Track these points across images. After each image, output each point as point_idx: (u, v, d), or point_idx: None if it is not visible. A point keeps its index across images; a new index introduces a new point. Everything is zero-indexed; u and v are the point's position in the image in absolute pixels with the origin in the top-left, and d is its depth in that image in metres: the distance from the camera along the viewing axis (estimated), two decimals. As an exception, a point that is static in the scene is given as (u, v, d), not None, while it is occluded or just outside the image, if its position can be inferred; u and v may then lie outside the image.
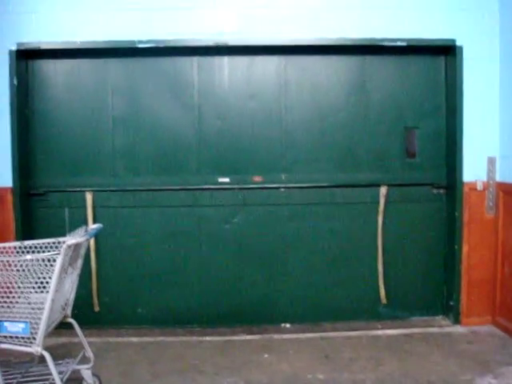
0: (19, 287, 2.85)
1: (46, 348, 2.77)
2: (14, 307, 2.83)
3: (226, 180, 4.41)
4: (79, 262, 3.12)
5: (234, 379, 3.52)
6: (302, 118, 4.44)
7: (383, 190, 4.44)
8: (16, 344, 2.75)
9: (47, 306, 2.70)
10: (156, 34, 4.21)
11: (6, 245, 3.14)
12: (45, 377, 3.02)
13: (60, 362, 3.18)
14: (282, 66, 4.40)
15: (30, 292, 2.85)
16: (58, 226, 4.30)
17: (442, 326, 4.46)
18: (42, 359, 2.84)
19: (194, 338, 4.27)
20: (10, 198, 4.24)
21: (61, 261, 2.70)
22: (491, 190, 4.36)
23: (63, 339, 4.05)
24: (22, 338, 2.73)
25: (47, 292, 2.72)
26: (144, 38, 4.20)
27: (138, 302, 4.47)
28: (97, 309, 4.42)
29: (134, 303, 4.47)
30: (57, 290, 2.76)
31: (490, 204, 4.37)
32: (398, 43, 4.26)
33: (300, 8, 4.27)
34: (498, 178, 4.35)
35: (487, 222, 4.39)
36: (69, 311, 3.15)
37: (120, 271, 4.44)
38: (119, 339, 4.26)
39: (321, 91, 4.44)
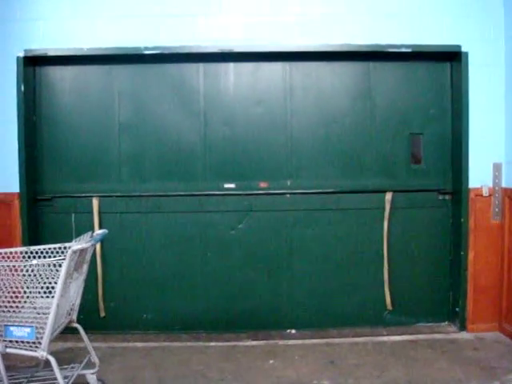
0: (25, 292, 2.88)
1: (52, 353, 2.79)
2: (20, 312, 2.86)
3: (232, 186, 4.43)
4: (85, 268, 3.14)
5: (239, 385, 3.54)
6: (308, 123, 4.45)
7: (388, 196, 4.43)
8: (22, 348, 2.77)
9: (53, 310, 2.72)
10: (162, 41, 4.24)
11: (13, 250, 3.17)
12: (50, 381, 3.04)
13: (65, 366, 3.20)
14: (287, 72, 4.42)
15: (36, 297, 2.88)
16: (64, 232, 4.31)
17: (447, 332, 4.44)
18: (47, 364, 2.86)
19: (200, 344, 4.27)
20: (17, 203, 4.26)
21: (66, 266, 2.72)
22: (497, 195, 4.35)
23: (69, 344, 4.08)
24: (28, 342, 2.76)
25: (53, 297, 2.74)
26: (150, 45, 4.23)
27: (144, 307, 4.48)
28: (102, 314, 4.44)
29: (140, 308, 4.48)
30: (62, 295, 2.78)
31: (496, 210, 4.35)
32: (403, 49, 4.26)
33: (305, 15, 4.28)
34: (504, 184, 4.33)
35: (493, 228, 4.37)
36: (74, 316, 3.17)
37: (126, 276, 4.45)
38: (124, 344, 4.27)
39: (326, 97, 4.45)
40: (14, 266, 2.89)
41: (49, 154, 4.42)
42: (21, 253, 3.14)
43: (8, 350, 2.77)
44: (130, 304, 4.47)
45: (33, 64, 4.35)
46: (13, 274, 2.87)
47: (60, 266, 2.74)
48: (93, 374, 3.23)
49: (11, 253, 3.12)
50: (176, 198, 4.41)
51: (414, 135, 4.48)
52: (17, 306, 2.84)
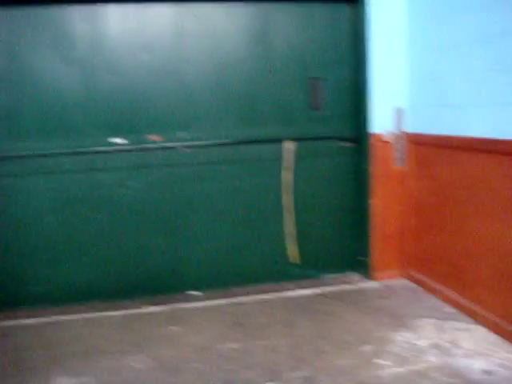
0: None
1: None
2: None
3: (121, 141, 4.04)
4: None
5: (140, 357, 3.24)
6: (202, 70, 4.10)
7: (288, 144, 4.22)
8: None
9: None
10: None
11: None
12: None
13: None
14: (177, 13, 4.02)
15: None
16: None
17: (355, 282, 4.37)
18: None
19: (96, 315, 3.93)
20: None
21: None
22: (400, 141, 4.25)
23: None
24: None
25: None
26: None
27: (33, 279, 4.05)
28: (-16, 290, 3.99)
29: (28, 281, 4.05)
30: None
31: (399, 156, 4.26)
32: (299, -11, 4.00)
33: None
34: (407, 129, 4.25)
35: (397, 175, 4.30)
36: None
37: (8, 248, 3.99)
38: (12, 322, 3.84)
39: (220, 41, 4.12)
40: None
41: None
42: None
43: None
44: (16, 277, 4.02)
45: None
46: None
47: None
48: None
49: None
50: (59, 157, 3.96)
51: (314, 80, 4.27)
52: None
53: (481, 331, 3.38)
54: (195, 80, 4.10)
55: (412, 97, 4.19)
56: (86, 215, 4.06)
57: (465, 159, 3.56)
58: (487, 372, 2.88)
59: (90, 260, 4.09)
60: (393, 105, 4.24)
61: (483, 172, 3.39)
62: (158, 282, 4.19)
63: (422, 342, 3.26)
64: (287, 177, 4.25)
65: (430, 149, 3.98)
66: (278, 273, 4.38)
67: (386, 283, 4.30)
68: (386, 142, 4.24)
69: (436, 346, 3.20)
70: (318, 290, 4.22)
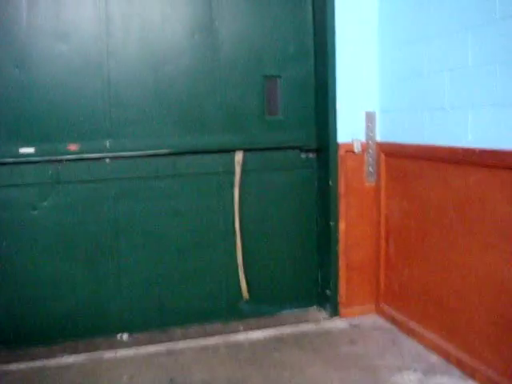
0: None
1: None
2: None
3: (31, 150, 3.26)
4: None
5: None
6: (132, 65, 3.38)
7: (239, 155, 3.52)
8: None
9: None
10: None
11: None
12: None
13: None
14: (101, -4, 3.31)
15: None
16: None
17: (317, 320, 3.67)
18: None
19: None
20: None
21: None
22: (371, 151, 3.61)
23: None
24: None
25: None
26: None
27: None
28: None
29: None
30: None
31: (370, 169, 3.62)
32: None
33: None
34: (379, 138, 3.62)
35: (368, 192, 3.67)
36: None
37: None
38: None
39: (155, 31, 3.40)
40: None
41: None
42: None
43: None
44: None
45: None
46: None
47: None
48: None
49: None
50: (-48, 171, 3.19)
51: (270, 78, 3.60)
52: None
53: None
54: (123, 77, 3.36)
55: (385, 99, 3.57)
56: (-13, 242, 3.27)
57: (451, 174, 2.91)
58: None
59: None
60: (363, 109, 3.64)
61: (475, 190, 2.73)
62: (77, 325, 3.41)
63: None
64: (238, 195, 3.55)
65: (407, 161, 3.32)
66: (224, 310, 3.66)
67: (356, 322, 3.61)
68: (355, 153, 3.59)
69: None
70: (273, 332, 3.49)
